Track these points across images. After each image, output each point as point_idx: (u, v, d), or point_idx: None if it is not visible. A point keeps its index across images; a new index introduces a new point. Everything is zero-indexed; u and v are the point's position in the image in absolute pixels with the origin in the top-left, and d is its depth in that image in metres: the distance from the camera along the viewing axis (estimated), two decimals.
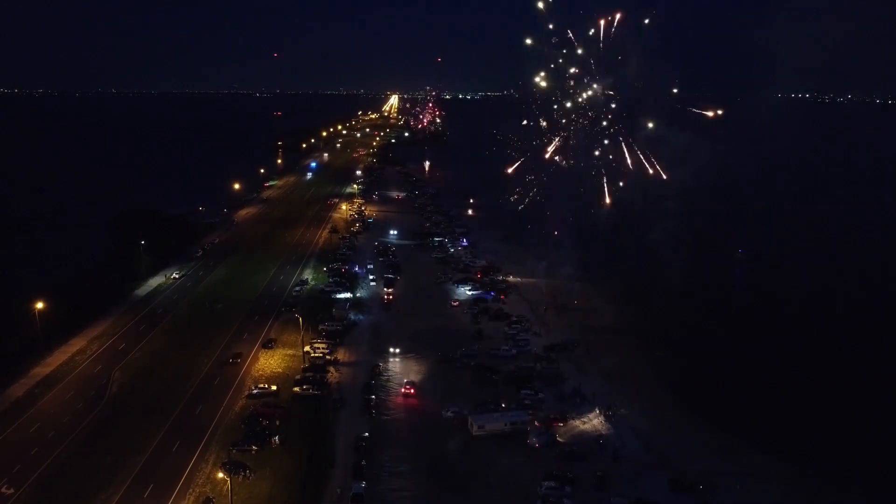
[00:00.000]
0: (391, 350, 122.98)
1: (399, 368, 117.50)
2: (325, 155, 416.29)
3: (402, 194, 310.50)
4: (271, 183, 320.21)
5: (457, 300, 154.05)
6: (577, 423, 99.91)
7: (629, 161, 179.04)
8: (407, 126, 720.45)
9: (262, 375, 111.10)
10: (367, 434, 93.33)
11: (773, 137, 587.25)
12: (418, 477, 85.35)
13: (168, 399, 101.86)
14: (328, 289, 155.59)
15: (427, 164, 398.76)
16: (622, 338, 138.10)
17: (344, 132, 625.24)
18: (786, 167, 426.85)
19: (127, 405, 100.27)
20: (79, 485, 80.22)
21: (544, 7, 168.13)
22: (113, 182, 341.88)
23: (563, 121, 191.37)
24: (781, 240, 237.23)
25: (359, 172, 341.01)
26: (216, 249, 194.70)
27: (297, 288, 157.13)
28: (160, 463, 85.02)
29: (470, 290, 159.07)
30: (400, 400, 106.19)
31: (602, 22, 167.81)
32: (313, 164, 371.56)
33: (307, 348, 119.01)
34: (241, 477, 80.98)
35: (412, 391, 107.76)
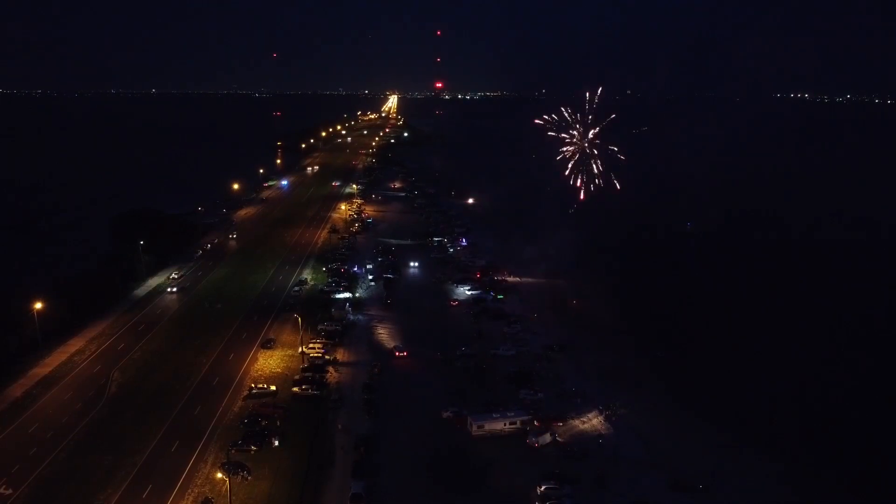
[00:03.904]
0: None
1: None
2: (309, 170, 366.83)
3: (400, 185, 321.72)
4: (270, 183, 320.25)
5: (456, 300, 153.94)
6: (577, 422, 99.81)
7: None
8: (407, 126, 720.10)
9: (261, 375, 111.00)
10: (366, 434, 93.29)
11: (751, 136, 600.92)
12: (417, 477, 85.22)
13: (167, 399, 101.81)
14: (327, 289, 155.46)
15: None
16: (621, 337, 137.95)
17: (344, 132, 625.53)
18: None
19: (126, 405, 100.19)
20: (78, 485, 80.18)
21: None
22: (113, 182, 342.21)
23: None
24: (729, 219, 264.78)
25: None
26: (215, 249, 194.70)
27: (297, 288, 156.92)
28: (159, 463, 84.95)
29: (469, 290, 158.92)
30: (396, 362, 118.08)
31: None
32: (284, 183, 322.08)
33: (302, 349, 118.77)
34: (240, 477, 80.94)
35: (405, 353, 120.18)
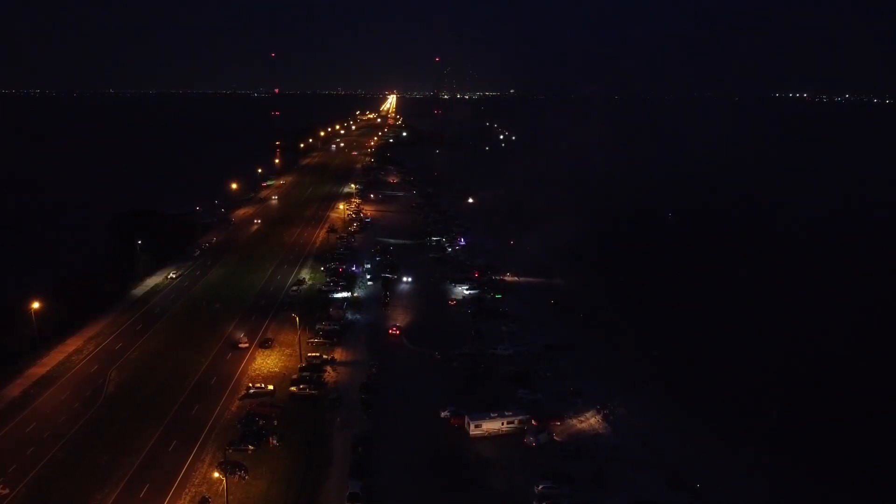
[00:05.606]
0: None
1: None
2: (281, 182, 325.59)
3: (398, 179, 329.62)
4: (269, 183, 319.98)
5: (454, 299, 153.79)
6: (575, 422, 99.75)
7: None
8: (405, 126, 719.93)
9: (258, 375, 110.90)
10: (364, 433, 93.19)
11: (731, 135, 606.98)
12: (415, 476, 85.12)
13: (164, 399, 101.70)
14: (325, 288, 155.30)
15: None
16: (620, 336, 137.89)
17: (342, 132, 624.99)
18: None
19: (123, 405, 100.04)
20: (75, 485, 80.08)
21: None
22: (111, 182, 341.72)
23: None
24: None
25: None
26: (214, 249, 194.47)
27: (295, 287, 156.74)
28: (156, 463, 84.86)
29: (468, 289, 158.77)
30: (389, 339, 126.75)
31: None
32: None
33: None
34: (237, 477, 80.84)
35: (397, 332, 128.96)
